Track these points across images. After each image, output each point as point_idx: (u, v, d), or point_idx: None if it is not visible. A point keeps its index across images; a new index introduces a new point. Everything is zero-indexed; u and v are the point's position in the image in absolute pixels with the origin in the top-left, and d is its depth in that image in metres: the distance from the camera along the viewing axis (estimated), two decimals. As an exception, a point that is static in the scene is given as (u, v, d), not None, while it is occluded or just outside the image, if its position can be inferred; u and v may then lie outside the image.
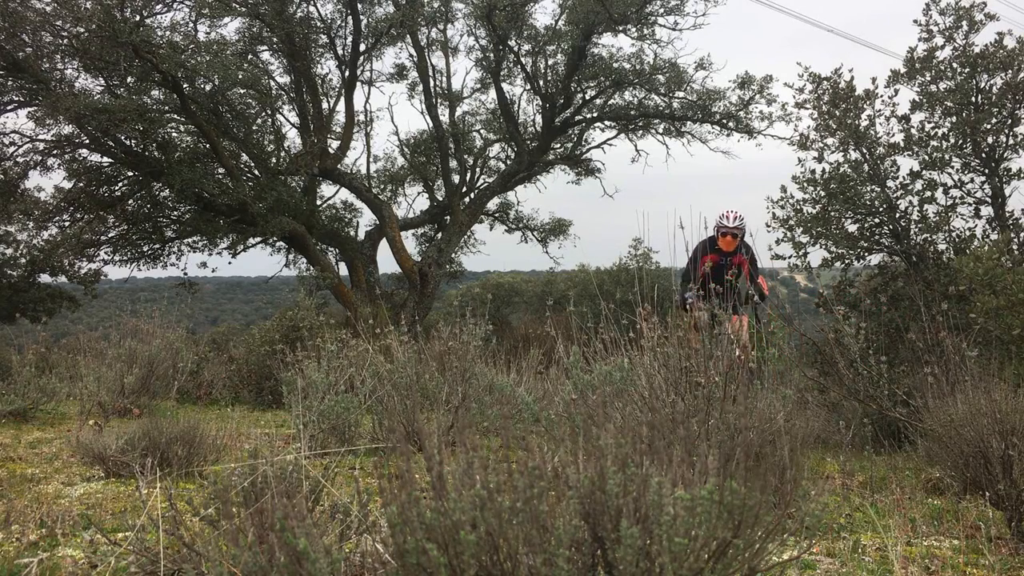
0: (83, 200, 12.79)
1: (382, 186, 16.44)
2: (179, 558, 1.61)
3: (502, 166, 16.40)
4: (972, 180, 7.44)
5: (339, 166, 14.57)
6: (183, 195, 12.20)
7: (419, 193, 16.66)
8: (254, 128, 13.98)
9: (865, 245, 7.32)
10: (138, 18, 10.70)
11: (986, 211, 7.40)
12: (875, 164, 7.30)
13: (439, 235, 16.29)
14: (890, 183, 7.32)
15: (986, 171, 7.36)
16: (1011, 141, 7.27)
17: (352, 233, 15.35)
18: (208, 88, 12.19)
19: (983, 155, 7.32)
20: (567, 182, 16.27)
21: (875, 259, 7.53)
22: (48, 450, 3.24)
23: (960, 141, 7.28)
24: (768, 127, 14.01)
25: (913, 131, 7.34)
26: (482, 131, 16.54)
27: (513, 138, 15.31)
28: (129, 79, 11.50)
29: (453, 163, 15.59)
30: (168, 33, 11.44)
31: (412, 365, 3.53)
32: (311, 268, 14.40)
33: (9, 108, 11.56)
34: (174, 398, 5.61)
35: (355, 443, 3.18)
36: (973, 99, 7.33)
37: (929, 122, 7.44)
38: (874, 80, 7.49)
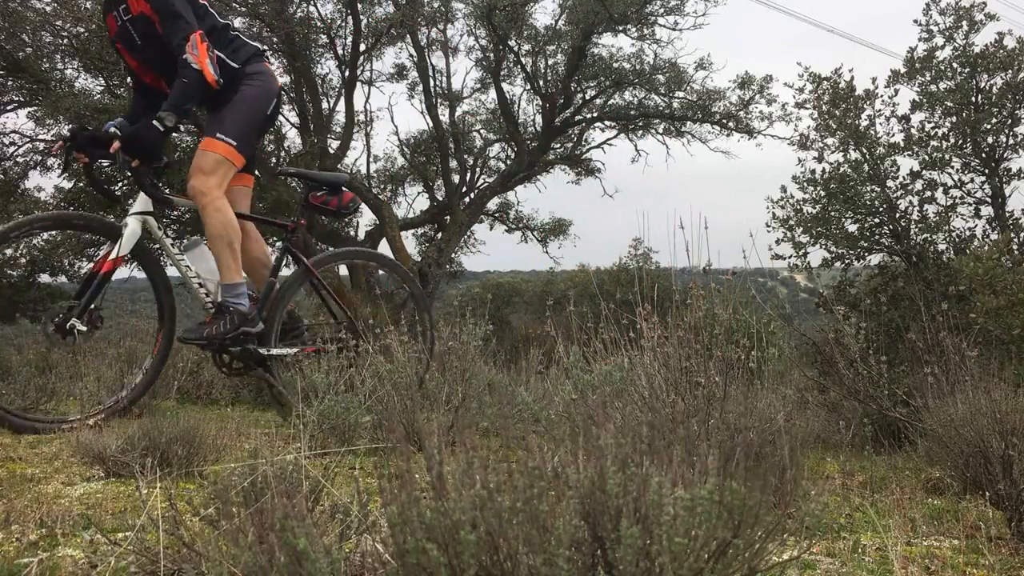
0: (83, 200, 12.79)
1: (382, 186, 16.44)
2: (179, 558, 1.61)
3: (502, 166, 16.39)
4: (972, 180, 7.46)
5: (339, 166, 14.56)
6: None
7: (419, 193, 16.68)
8: (254, 128, 13.96)
9: (865, 245, 7.32)
10: (138, 18, 10.69)
11: (986, 211, 7.41)
12: (875, 164, 7.30)
13: (439, 235, 16.28)
14: (890, 183, 7.32)
15: (986, 171, 7.37)
16: (1011, 141, 7.28)
17: (352, 233, 15.34)
18: (208, 88, 12.17)
19: (983, 155, 7.33)
20: (567, 182, 16.28)
21: (875, 259, 7.53)
22: (48, 450, 3.25)
23: (960, 141, 7.29)
24: (768, 127, 14.03)
25: (913, 131, 7.34)
26: (482, 131, 16.53)
27: (513, 138, 15.31)
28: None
29: (453, 163, 15.59)
30: (168, 33, 11.42)
31: (412, 365, 3.53)
32: (311, 268, 14.37)
33: (9, 108, 11.58)
34: (174, 398, 5.61)
35: (355, 443, 3.18)
36: (973, 99, 7.33)
37: (929, 122, 7.45)
38: (874, 80, 7.50)
